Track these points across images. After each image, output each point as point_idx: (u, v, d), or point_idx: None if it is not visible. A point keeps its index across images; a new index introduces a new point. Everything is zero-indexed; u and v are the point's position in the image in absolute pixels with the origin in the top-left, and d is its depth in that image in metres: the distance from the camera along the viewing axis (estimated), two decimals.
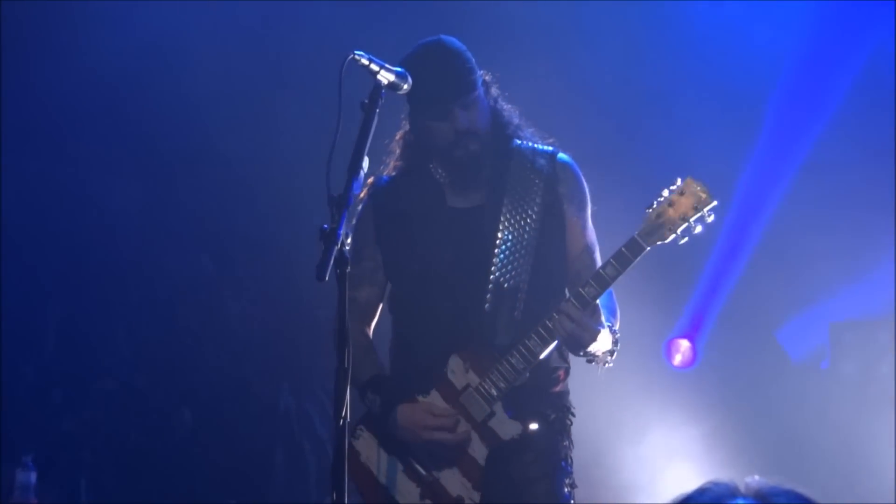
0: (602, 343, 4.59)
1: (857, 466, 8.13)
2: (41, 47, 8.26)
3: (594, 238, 4.86)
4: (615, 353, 4.69)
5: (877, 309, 8.44)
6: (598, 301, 4.53)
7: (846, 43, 8.50)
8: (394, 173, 4.90)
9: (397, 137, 4.91)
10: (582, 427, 4.97)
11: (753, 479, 2.50)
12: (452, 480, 4.62)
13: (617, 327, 4.73)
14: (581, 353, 4.63)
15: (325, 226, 3.67)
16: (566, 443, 4.78)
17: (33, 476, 7.67)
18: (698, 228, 4.57)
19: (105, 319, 8.49)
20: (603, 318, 4.59)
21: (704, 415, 8.52)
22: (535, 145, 4.87)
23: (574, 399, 4.92)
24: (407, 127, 4.88)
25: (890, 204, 8.32)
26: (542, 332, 4.54)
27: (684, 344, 8.76)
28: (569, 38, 8.59)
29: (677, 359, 8.77)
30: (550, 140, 4.92)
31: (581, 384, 5.01)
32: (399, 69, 4.07)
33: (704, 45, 8.57)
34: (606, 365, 4.71)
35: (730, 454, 8.40)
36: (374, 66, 4.01)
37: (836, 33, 8.49)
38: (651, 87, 8.63)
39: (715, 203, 4.57)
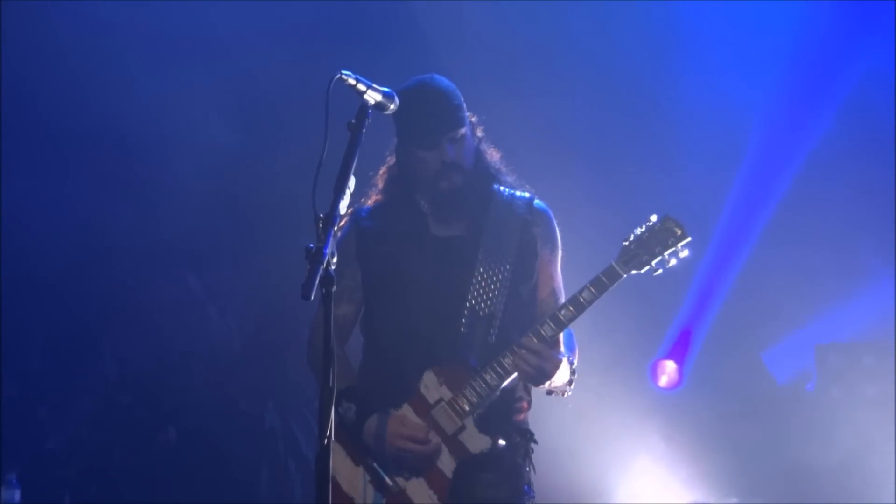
0: (561, 374, 4.72)
1: (843, 489, 8.13)
2: (31, 62, 8.27)
3: (562, 285, 5.00)
4: (573, 384, 4.84)
5: (862, 331, 8.46)
6: (559, 335, 4.70)
7: (833, 68, 8.55)
8: (375, 204, 5.01)
9: (381, 172, 5.02)
10: (565, 445, 5.01)
11: (732, 503, 2.52)
12: (419, 491, 4.70)
13: (575, 361, 4.86)
14: (544, 385, 4.75)
15: (311, 245, 3.67)
16: (528, 469, 4.88)
17: (18, 494, 7.66)
18: (673, 262, 4.77)
19: (90, 337, 8.48)
20: (562, 348, 4.75)
21: (689, 436, 8.53)
22: (514, 192, 5.01)
23: (559, 419, 4.98)
24: (392, 161, 5.00)
25: (876, 227, 8.36)
26: (518, 349, 4.66)
27: (670, 365, 8.78)
28: (554, 70, 8.64)
29: (663, 380, 8.79)
30: (529, 188, 5.05)
31: (566, 404, 5.04)
32: (386, 89, 4.10)
33: (685, 76, 8.61)
34: (565, 395, 4.86)
35: (715, 476, 8.41)
36: (360, 86, 4.03)
37: (824, 58, 8.54)
38: (637, 112, 8.67)
39: (689, 239, 4.76)
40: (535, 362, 4.62)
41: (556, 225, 5.01)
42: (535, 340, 4.63)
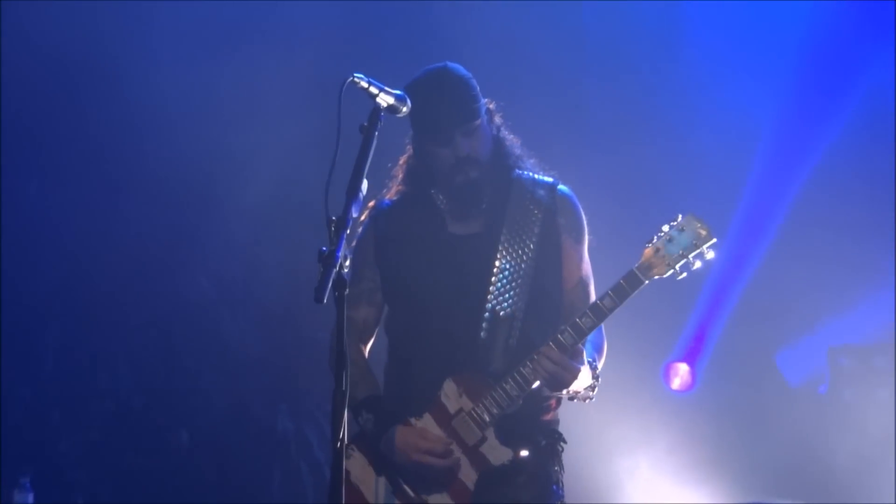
0: (582, 380, 4.62)
1: (855, 490, 8.12)
2: (33, 64, 8.27)
3: (590, 272, 4.89)
4: (596, 389, 4.72)
5: (874, 333, 8.44)
6: (584, 338, 4.58)
7: (845, 71, 8.54)
8: (395, 198, 4.93)
9: (401, 162, 4.94)
10: (580, 448, 4.96)
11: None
12: (441, 502, 4.62)
13: (600, 363, 4.77)
14: (563, 393, 4.67)
15: (324, 248, 3.66)
16: (557, 468, 4.79)
17: (31, 496, 7.67)
18: (697, 264, 4.62)
19: (103, 341, 8.48)
20: (585, 355, 4.63)
21: (703, 439, 8.51)
22: (536, 176, 4.89)
23: (572, 422, 4.93)
24: (410, 151, 4.90)
25: (887, 229, 8.34)
26: (537, 358, 4.57)
27: (683, 368, 8.76)
28: (570, 70, 8.64)
29: (676, 382, 8.77)
30: (551, 171, 4.94)
31: (579, 407, 5.01)
32: (398, 92, 4.06)
33: (704, 75, 8.62)
34: (588, 401, 4.74)
35: (728, 478, 8.39)
36: (373, 89, 4.00)
37: (836, 60, 8.53)
38: (652, 118, 8.67)
39: (714, 241, 4.61)
40: (552, 371, 4.52)
41: (580, 210, 4.88)
42: (554, 349, 4.53)
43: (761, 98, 8.58)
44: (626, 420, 8.41)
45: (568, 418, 4.97)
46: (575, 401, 4.73)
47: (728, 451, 8.46)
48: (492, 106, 4.84)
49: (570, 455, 4.91)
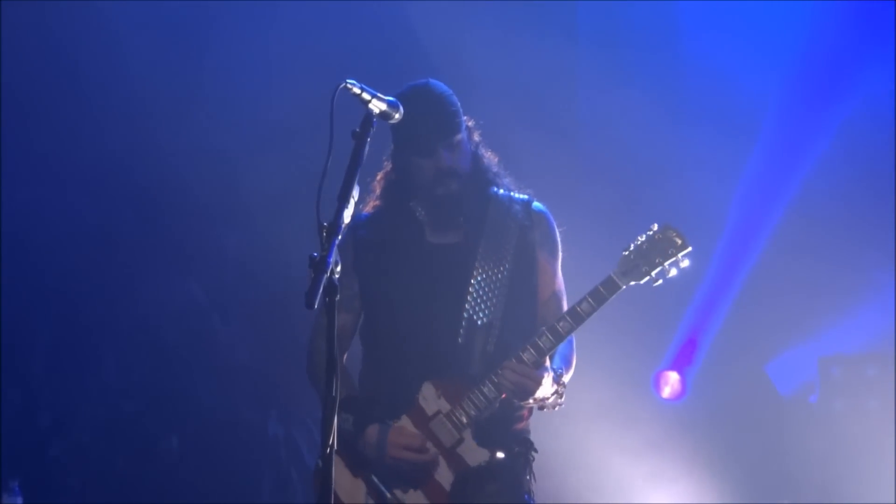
0: (545, 388, 4.69)
1: (845, 500, 8.12)
2: (32, 67, 8.26)
3: (563, 287, 5.00)
4: (563, 396, 4.79)
5: (865, 343, 8.46)
6: (561, 342, 4.68)
7: (841, 75, 8.55)
8: (372, 211, 5.00)
9: (378, 177, 5.02)
10: (569, 455, 4.99)
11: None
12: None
13: (567, 375, 4.85)
14: (531, 402, 4.73)
15: (315, 254, 3.67)
16: (528, 477, 4.87)
17: (20, 500, 7.65)
18: (672, 272, 4.77)
19: (94, 344, 8.48)
20: (548, 362, 4.71)
21: (691, 448, 8.52)
22: (512, 193, 5.00)
23: (562, 429, 4.96)
24: (389, 167, 4.99)
25: (881, 238, 8.35)
26: (501, 370, 4.67)
27: (673, 376, 8.77)
28: (547, 82, 8.64)
29: (666, 391, 8.78)
30: (527, 189, 5.04)
31: (569, 414, 5.04)
32: (391, 98, 4.09)
33: (691, 79, 8.62)
34: (557, 408, 4.82)
35: (719, 488, 8.40)
36: (365, 95, 4.02)
37: (829, 69, 8.54)
38: (643, 121, 8.67)
39: (689, 249, 4.76)
40: (515, 381, 4.62)
41: (555, 226, 5.00)
42: (523, 357, 4.62)
43: (755, 106, 8.59)
44: (614, 428, 8.41)
45: (556, 425, 4.99)
46: (545, 410, 4.80)
47: (718, 459, 8.47)
48: (471, 124, 4.96)
49: (552, 460, 4.94)
